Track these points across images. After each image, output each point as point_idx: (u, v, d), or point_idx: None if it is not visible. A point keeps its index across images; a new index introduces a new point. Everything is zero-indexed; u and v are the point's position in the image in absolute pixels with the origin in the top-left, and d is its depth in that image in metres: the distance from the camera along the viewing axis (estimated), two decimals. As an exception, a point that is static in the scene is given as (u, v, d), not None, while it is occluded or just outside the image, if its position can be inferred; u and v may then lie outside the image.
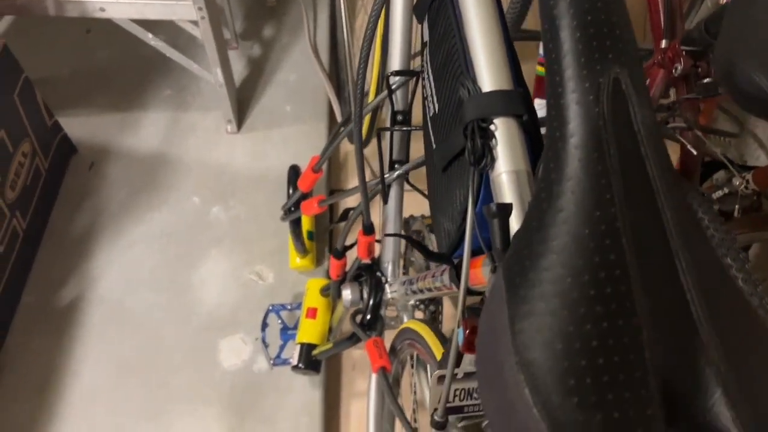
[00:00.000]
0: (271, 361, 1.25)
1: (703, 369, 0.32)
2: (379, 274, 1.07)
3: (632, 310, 0.32)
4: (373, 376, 1.02)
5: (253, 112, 1.61)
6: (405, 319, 1.04)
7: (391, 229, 1.05)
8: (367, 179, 0.89)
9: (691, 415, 0.32)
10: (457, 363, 0.56)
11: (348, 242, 1.12)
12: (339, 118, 1.54)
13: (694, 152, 0.84)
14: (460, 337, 0.49)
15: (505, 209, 0.44)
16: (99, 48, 1.68)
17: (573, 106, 0.37)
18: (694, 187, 0.90)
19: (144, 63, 1.66)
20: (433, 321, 1.18)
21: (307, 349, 1.20)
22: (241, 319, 1.36)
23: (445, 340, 0.76)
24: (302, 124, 1.59)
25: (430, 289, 0.76)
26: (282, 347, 1.27)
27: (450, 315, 1.26)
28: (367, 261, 1.09)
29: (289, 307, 1.32)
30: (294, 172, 1.32)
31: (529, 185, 0.48)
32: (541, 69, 1.09)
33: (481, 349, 0.36)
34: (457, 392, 0.55)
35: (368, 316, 1.04)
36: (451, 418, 0.57)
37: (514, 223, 0.46)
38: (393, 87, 0.93)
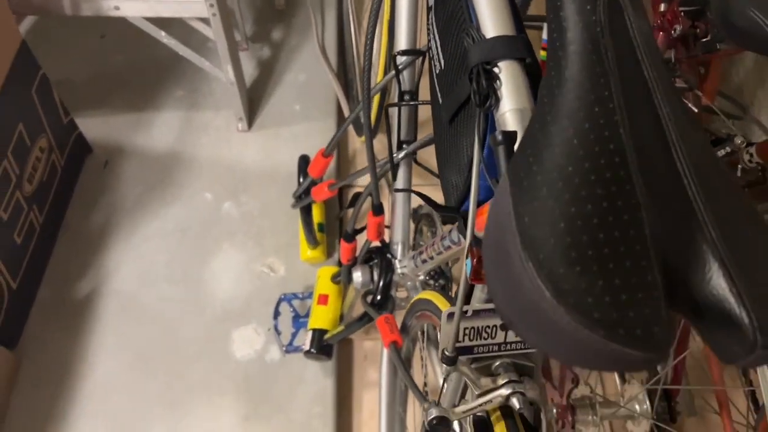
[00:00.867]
0: (284, 348, 1.27)
1: (700, 245, 0.34)
2: (389, 256, 1.08)
3: (631, 192, 0.34)
4: (385, 351, 1.03)
5: (263, 111, 1.64)
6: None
7: (400, 210, 1.07)
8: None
9: (690, 288, 0.34)
10: (467, 300, 0.58)
11: (359, 227, 1.14)
12: (347, 115, 1.57)
13: (695, 110, 0.86)
14: (468, 267, 0.51)
15: (510, 137, 0.46)
16: (113, 52, 1.72)
17: (572, 16, 0.39)
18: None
19: (157, 66, 1.70)
20: (443, 291, 1.19)
21: (318, 334, 1.21)
22: (254, 311, 1.37)
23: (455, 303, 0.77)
24: (311, 121, 1.62)
25: (440, 253, 0.77)
26: (294, 335, 1.29)
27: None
28: (377, 244, 1.10)
29: (300, 295, 1.33)
30: (304, 161, 1.34)
31: None
32: (544, 54, 1.11)
33: (487, 237, 0.38)
34: (467, 331, 0.57)
35: (379, 296, 1.05)
36: (462, 358, 0.58)
37: None
38: (400, 66, 0.95)
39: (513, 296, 0.34)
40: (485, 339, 0.58)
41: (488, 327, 0.57)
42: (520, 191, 0.35)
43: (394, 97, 1.00)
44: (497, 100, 0.52)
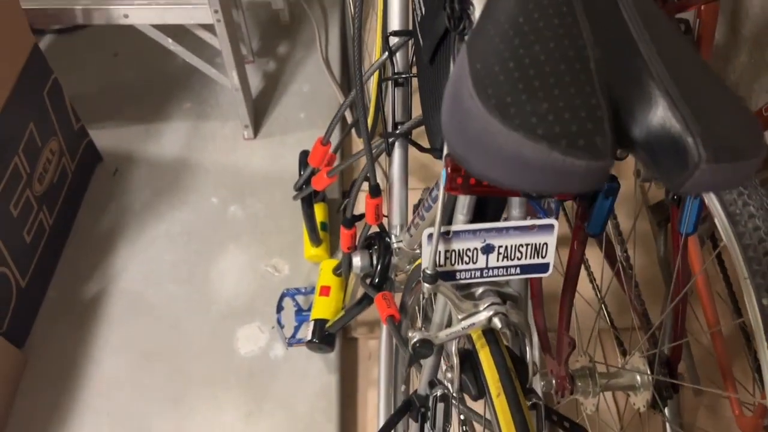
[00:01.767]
0: (287, 341, 1.27)
1: (646, 81, 0.35)
2: (388, 239, 1.10)
3: (578, 35, 0.36)
4: (384, 327, 1.03)
5: (269, 120, 1.68)
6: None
7: (396, 190, 1.08)
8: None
9: (636, 120, 0.35)
10: (448, 220, 0.59)
11: (358, 213, 1.16)
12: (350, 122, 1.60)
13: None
14: (443, 177, 0.52)
15: None
16: (125, 68, 1.79)
17: None
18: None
19: (167, 81, 1.75)
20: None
21: (320, 324, 1.21)
22: (258, 309, 1.38)
23: None
24: (316, 129, 1.65)
25: (428, 208, 0.79)
26: (297, 328, 1.29)
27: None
28: (375, 229, 1.12)
29: (303, 290, 1.34)
30: (305, 156, 1.36)
31: None
32: None
33: (447, 97, 0.39)
34: (448, 254, 0.58)
35: (377, 278, 1.06)
36: (447, 284, 0.59)
37: None
38: (393, 47, 0.98)
39: (464, 131, 0.35)
40: (467, 264, 0.59)
41: (469, 250, 0.58)
42: (473, 39, 0.37)
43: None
44: (470, 23, 0.54)
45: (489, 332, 0.59)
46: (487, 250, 0.58)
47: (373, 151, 1.04)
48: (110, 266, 1.44)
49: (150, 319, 1.37)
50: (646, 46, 0.36)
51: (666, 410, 1.03)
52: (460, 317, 0.59)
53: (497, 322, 0.57)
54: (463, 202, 0.57)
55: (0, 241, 1.19)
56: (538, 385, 0.90)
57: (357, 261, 1.09)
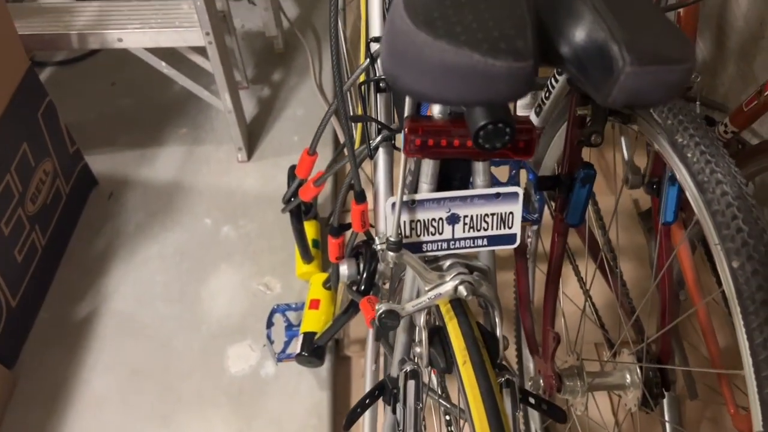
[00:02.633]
0: (276, 356, 1.25)
1: (576, 1, 0.35)
2: (374, 246, 1.09)
3: None
4: (370, 331, 1.02)
5: (262, 143, 1.70)
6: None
7: (382, 195, 1.08)
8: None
9: (566, 37, 0.35)
10: (414, 188, 0.59)
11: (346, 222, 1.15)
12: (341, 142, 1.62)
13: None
14: (402, 139, 0.52)
15: None
16: (122, 97, 1.82)
17: None
18: None
19: (163, 108, 1.78)
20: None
21: (310, 337, 1.20)
22: (249, 327, 1.37)
23: None
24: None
25: None
26: (287, 344, 1.28)
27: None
28: (363, 238, 1.11)
29: (293, 306, 1.33)
30: (293, 170, 1.37)
31: None
32: None
33: (385, 34, 0.39)
34: (413, 224, 0.57)
35: (363, 285, 1.05)
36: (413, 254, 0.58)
37: None
38: (374, 53, 1.00)
39: (395, 49, 0.36)
40: (433, 235, 0.58)
41: (434, 220, 0.58)
42: None
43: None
44: None
45: (457, 304, 0.59)
46: (453, 220, 0.58)
47: (357, 157, 1.04)
48: (103, 287, 1.44)
49: (141, 339, 1.36)
50: None
51: (666, 413, 1.01)
52: (426, 288, 0.58)
53: (462, 290, 0.56)
54: (427, 170, 0.57)
55: (-10, 258, 1.19)
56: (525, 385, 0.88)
57: (344, 270, 1.09)
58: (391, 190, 1.10)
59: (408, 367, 0.59)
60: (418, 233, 0.58)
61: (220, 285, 1.45)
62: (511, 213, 0.58)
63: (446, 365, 0.57)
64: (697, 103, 0.98)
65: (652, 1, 0.37)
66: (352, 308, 1.10)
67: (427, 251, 0.59)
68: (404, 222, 0.57)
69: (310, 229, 1.43)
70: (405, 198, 0.56)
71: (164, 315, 1.40)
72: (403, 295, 0.65)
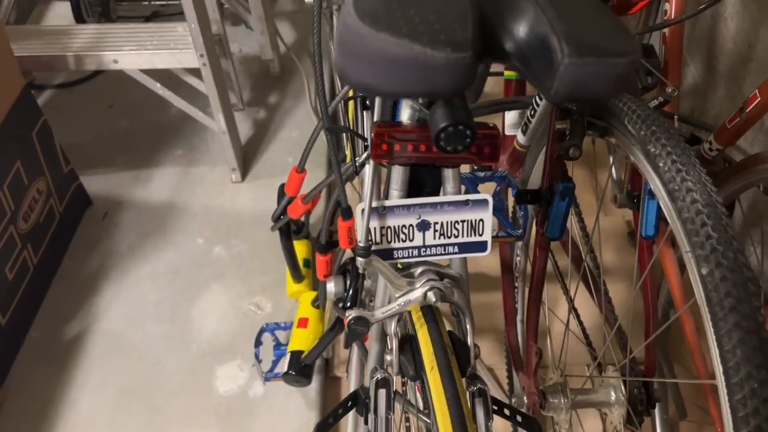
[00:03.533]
0: (264, 375, 1.25)
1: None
2: (360, 262, 1.09)
3: None
4: (354, 350, 1.01)
5: (257, 164, 1.71)
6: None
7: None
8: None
9: (511, 33, 0.35)
10: (383, 195, 0.59)
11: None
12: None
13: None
14: (369, 144, 0.53)
15: None
16: (120, 119, 1.84)
17: None
18: None
19: (159, 129, 1.80)
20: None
21: (297, 356, 1.19)
22: (239, 347, 1.37)
23: None
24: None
25: None
26: (275, 363, 1.27)
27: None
28: (351, 255, 1.11)
29: (283, 325, 1.33)
30: (283, 187, 1.38)
31: None
32: (508, 73, 1.17)
33: (337, 36, 0.40)
34: (384, 231, 0.58)
35: (349, 302, 1.05)
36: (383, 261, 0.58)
37: None
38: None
39: (344, 45, 0.36)
40: (404, 241, 0.58)
41: (405, 227, 0.58)
42: None
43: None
44: None
45: (428, 312, 0.59)
46: (423, 227, 0.58)
47: (344, 174, 1.05)
48: (94, 306, 1.44)
49: (130, 358, 1.36)
50: None
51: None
52: (397, 295, 0.58)
53: (432, 296, 0.56)
54: (396, 177, 0.58)
55: (-20, 275, 1.20)
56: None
57: (331, 287, 1.08)
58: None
59: (379, 376, 0.59)
60: (389, 240, 0.58)
61: (211, 305, 1.44)
62: (481, 220, 0.58)
63: (415, 373, 0.57)
64: (675, 117, 0.99)
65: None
66: (338, 326, 1.09)
67: (398, 258, 0.59)
68: (374, 228, 0.57)
69: (302, 248, 1.43)
70: (375, 204, 0.56)
71: (154, 335, 1.39)
72: (376, 303, 0.65)
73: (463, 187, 0.89)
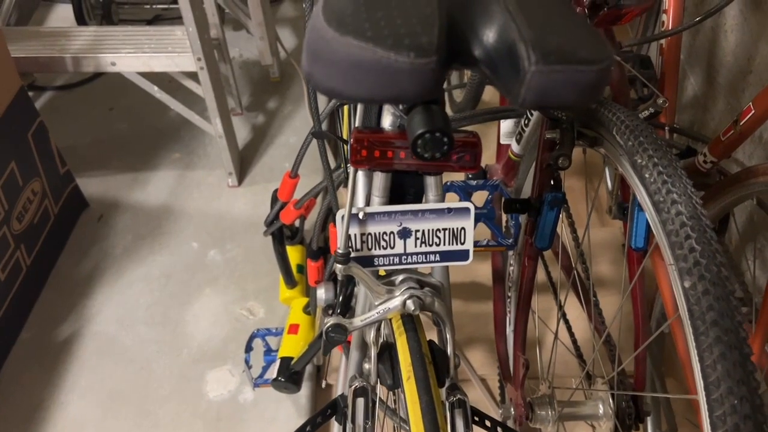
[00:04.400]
0: (253, 381, 1.24)
1: (490, 3, 0.35)
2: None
3: None
4: (343, 358, 1.00)
5: (254, 169, 1.71)
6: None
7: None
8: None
9: (480, 38, 0.35)
10: (366, 201, 0.58)
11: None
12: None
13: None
14: (348, 151, 0.52)
15: None
16: (119, 122, 1.84)
17: None
18: None
19: (158, 132, 1.80)
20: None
21: (287, 362, 1.18)
22: (230, 353, 1.36)
23: None
24: (300, 177, 1.67)
25: None
26: (265, 369, 1.26)
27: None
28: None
29: (274, 330, 1.32)
30: (277, 193, 1.37)
31: None
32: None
33: (306, 39, 0.40)
34: (364, 237, 0.57)
35: (339, 308, 1.04)
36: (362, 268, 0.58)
37: None
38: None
39: (311, 48, 0.36)
40: (384, 249, 0.58)
41: (386, 234, 0.57)
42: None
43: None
44: None
45: (408, 320, 0.58)
46: (404, 234, 0.57)
47: (335, 180, 1.05)
48: (86, 309, 1.43)
49: (120, 362, 1.35)
50: None
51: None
52: (377, 303, 0.57)
53: (411, 305, 0.55)
54: (378, 183, 0.57)
55: (-29, 275, 1.19)
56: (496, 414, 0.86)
57: (321, 294, 1.08)
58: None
59: (357, 384, 0.58)
60: (370, 247, 0.57)
61: (204, 309, 1.44)
62: (463, 228, 0.57)
63: (393, 381, 0.56)
64: (666, 128, 0.98)
65: (570, 5, 0.37)
66: (327, 333, 1.09)
67: (379, 265, 0.58)
68: (355, 235, 0.57)
69: (295, 254, 1.42)
70: (355, 210, 0.56)
71: (146, 338, 1.39)
72: (356, 310, 0.64)
73: (453, 195, 0.89)
